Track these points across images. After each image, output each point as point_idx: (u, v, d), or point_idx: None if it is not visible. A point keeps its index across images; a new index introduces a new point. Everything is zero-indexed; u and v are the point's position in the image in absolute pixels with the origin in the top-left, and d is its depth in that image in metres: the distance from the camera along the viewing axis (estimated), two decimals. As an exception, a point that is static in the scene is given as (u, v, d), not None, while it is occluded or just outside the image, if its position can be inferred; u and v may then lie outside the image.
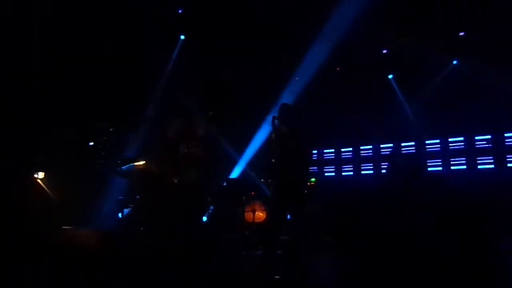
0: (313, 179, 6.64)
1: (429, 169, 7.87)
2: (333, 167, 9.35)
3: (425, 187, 5.18)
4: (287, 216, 4.35)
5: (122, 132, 5.28)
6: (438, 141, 8.10)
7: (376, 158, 8.83)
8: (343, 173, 9.25)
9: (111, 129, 4.78)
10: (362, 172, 8.96)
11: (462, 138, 7.87)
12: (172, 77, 7.66)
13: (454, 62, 7.77)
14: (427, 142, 8.14)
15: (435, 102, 7.67)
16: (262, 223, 6.11)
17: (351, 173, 9.12)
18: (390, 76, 8.40)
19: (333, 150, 9.39)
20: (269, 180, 4.44)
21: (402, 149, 8.34)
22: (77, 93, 6.08)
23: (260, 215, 6.21)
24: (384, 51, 7.58)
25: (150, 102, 7.08)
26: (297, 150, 4.14)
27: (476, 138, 7.72)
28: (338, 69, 8.10)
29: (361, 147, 9.05)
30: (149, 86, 7.18)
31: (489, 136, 7.63)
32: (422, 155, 7.96)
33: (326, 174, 9.22)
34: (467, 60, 7.26)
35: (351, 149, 9.15)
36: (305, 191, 4.27)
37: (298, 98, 7.68)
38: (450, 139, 7.98)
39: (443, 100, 7.54)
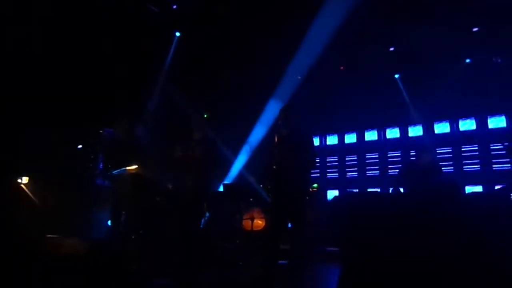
0: (315, 185, 6.61)
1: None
2: (337, 170, 9.36)
3: (440, 192, 5.08)
4: (287, 224, 4.28)
5: (113, 135, 5.25)
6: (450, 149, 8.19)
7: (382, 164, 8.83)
8: (348, 174, 9.21)
9: (101, 131, 4.71)
10: (368, 173, 8.92)
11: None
12: (167, 77, 7.65)
13: (467, 60, 7.64)
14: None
15: (445, 103, 7.63)
16: (261, 231, 6.15)
17: (355, 174, 9.05)
18: (397, 76, 8.34)
19: (336, 136, 9.53)
20: (269, 186, 4.38)
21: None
22: (66, 93, 6.04)
23: (259, 222, 6.29)
24: (391, 49, 7.47)
25: (144, 103, 7.02)
26: (298, 154, 4.11)
27: (491, 147, 7.78)
28: (342, 68, 8.05)
29: (367, 155, 9.11)
30: (143, 86, 7.14)
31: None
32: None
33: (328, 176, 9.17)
34: (480, 59, 7.18)
35: (354, 134, 9.24)
36: (307, 198, 4.24)
37: (300, 99, 7.64)
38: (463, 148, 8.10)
39: (455, 101, 7.48)
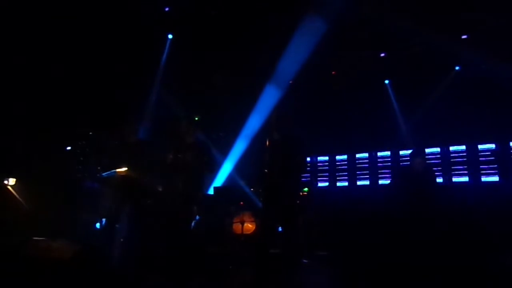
0: (306, 189, 6.64)
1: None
2: (327, 174, 9.34)
3: (430, 198, 5.14)
4: (278, 228, 4.28)
5: (103, 136, 5.20)
6: (438, 149, 8.04)
7: (373, 166, 8.82)
8: (338, 184, 9.22)
9: (90, 133, 4.67)
10: (358, 183, 8.92)
11: (464, 147, 7.80)
12: (159, 80, 7.61)
13: (457, 68, 7.61)
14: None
15: (435, 110, 7.65)
16: (251, 235, 6.10)
17: (346, 183, 9.09)
18: (387, 82, 8.38)
19: (327, 158, 9.38)
20: (260, 189, 4.39)
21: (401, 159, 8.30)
22: (56, 93, 5.99)
23: (249, 226, 6.21)
24: (382, 55, 7.48)
25: (136, 106, 6.98)
26: (289, 158, 4.13)
27: (480, 147, 7.59)
28: (333, 73, 8.11)
29: (357, 155, 9.02)
30: (135, 88, 7.10)
31: (493, 145, 7.49)
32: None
33: (319, 184, 9.17)
34: (471, 65, 7.16)
35: (345, 157, 9.14)
36: (298, 201, 4.24)
37: (291, 103, 7.67)
38: (451, 148, 7.91)
39: (444, 108, 7.52)
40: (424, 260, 4.40)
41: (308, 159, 8.98)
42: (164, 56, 7.42)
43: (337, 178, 9.21)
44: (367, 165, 8.85)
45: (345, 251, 5.58)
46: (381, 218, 5.70)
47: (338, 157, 9.21)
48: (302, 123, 7.89)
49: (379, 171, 8.62)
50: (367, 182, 8.72)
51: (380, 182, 8.53)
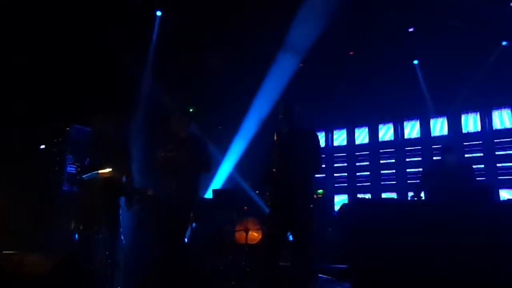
0: (320, 191, 6.65)
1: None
2: (345, 173, 9.35)
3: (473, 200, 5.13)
4: (288, 236, 4.34)
5: (82, 132, 5.22)
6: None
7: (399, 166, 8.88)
8: (358, 184, 9.23)
9: (67, 129, 4.71)
10: (382, 182, 8.94)
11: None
12: (147, 66, 7.62)
13: (504, 43, 7.59)
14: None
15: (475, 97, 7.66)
16: (256, 245, 6.16)
17: (368, 183, 9.10)
18: (416, 62, 8.35)
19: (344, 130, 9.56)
20: (266, 192, 4.44)
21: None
22: (26, 84, 5.98)
23: (255, 235, 6.31)
24: (411, 29, 7.42)
25: (121, 97, 7.00)
26: (301, 155, 4.15)
27: None
28: (351, 53, 8.07)
29: (381, 150, 9.09)
30: (118, 75, 7.12)
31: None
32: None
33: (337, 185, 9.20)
34: None
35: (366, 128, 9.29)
36: (311, 205, 4.25)
37: (302, 90, 7.66)
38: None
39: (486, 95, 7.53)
40: (457, 276, 4.39)
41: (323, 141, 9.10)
42: (154, 37, 7.43)
43: (357, 177, 9.26)
44: (392, 151, 9.00)
45: (367, 264, 5.59)
46: (409, 224, 5.69)
47: (357, 153, 9.30)
48: (315, 114, 8.01)
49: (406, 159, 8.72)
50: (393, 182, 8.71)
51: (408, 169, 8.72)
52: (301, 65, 7.86)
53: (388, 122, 9.34)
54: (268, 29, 7.21)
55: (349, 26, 6.99)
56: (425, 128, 8.98)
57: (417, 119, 9.01)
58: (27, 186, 5.49)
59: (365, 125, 9.60)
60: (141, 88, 7.55)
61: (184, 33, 7.27)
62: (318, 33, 7.03)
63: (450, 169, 5.33)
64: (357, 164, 9.50)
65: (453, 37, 7.14)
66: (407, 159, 8.96)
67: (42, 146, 4.66)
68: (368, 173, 9.36)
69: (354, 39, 7.57)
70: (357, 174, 9.46)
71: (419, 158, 8.83)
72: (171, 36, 7.31)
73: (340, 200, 8.99)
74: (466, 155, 8.27)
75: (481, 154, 8.32)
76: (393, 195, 8.90)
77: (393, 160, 9.09)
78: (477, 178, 7.45)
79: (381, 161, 9.24)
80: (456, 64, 7.65)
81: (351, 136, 9.75)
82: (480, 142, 8.40)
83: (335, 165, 9.69)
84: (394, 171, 9.07)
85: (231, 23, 7.09)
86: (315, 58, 7.73)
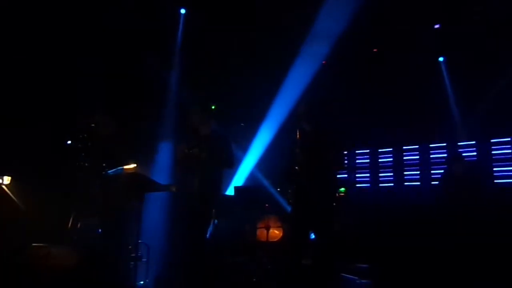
0: (342, 189, 6.65)
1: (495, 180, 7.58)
2: (368, 174, 9.32)
3: (489, 204, 5.16)
4: (309, 235, 4.39)
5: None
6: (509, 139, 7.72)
7: (423, 163, 8.70)
8: (381, 184, 9.16)
9: (93, 125, 4.85)
10: (406, 183, 8.84)
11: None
12: (170, 63, 7.74)
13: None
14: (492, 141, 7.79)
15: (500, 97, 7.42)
16: (278, 243, 6.18)
17: (391, 184, 9.02)
18: (441, 59, 8.22)
19: (368, 151, 9.31)
20: (288, 190, 4.49)
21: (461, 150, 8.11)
22: (54, 80, 6.14)
23: (276, 233, 6.30)
24: (436, 26, 7.29)
25: (144, 94, 7.16)
26: (323, 153, 4.19)
27: None
28: (375, 50, 8.02)
29: (404, 147, 8.93)
30: (142, 74, 7.26)
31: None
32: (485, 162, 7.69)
33: (358, 185, 9.14)
34: None
35: (390, 149, 9.07)
36: (333, 204, 4.29)
37: (325, 88, 7.64)
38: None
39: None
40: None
41: (346, 153, 9.01)
42: (179, 35, 7.53)
43: (380, 176, 9.15)
44: (416, 160, 8.76)
45: (389, 263, 5.64)
46: (432, 225, 5.71)
47: (380, 150, 9.15)
48: (339, 111, 7.92)
49: (431, 167, 8.49)
50: (417, 183, 8.63)
51: (433, 182, 8.35)
52: (323, 62, 7.84)
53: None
54: (292, 29, 7.23)
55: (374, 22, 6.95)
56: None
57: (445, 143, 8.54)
58: (54, 181, 5.67)
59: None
60: (167, 86, 7.65)
61: (207, 30, 7.33)
62: (342, 27, 7.00)
63: (459, 177, 5.37)
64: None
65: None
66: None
67: (69, 142, 4.79)
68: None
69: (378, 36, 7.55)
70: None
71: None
72: (195, 32, 7.39)
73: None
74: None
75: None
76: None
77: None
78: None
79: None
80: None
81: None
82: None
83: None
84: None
85: (255, 18, 7.11)
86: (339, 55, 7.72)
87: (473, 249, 4.96)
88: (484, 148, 7.90)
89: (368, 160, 9.36)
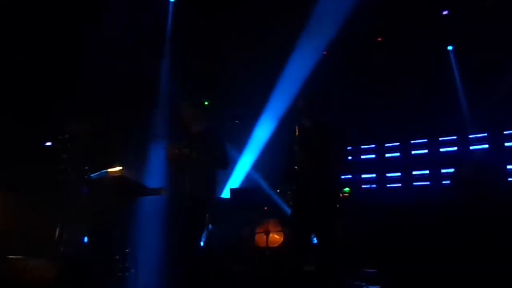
0: (346, 189, 6.60)
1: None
2: (374, 174, 9.26)
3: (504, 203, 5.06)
4: (312, 239, 4.32)
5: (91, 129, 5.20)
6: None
7: (433, 160, 8.56)
8: (388, 185, 9.05)
9: (74, 125, 4.73)
10: (415, 183, 8.76)
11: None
12: (159, 55, 7.61)
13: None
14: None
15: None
16: (278, 248, 6.11)
17: (399, 184, 8.91)
18: (450, 48, 8.11)
19: (374, 146, 9.30)
20: (288, 191, 4.35)
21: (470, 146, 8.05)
22: (30, 76, 5.99)
23: (276, 237, 6.23)
24: (445, 12, 7.18)
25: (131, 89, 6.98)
26: (324, 151, 4.10)
27: None
28: (379, 39, 7.97)
29: (412, 141, 8.84)
30: (131, 70, 7.09)
31: None
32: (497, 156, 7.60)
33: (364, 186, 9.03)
34: None
35: (397, 144, 9.05)
36: (337, 205, 4.20)
37: (326, 81, 7.50)
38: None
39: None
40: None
41: (350, 149, 8.94)
42: (169, 23, 7.38)
43: (387, 175, 9.05)
44: (425, 157, 8.67)
45: (398, 268, 5.44)
46: (444, 225, 5.57)
47: (387, 145, 9.13)
48: (341, 105, 7.82)
49: (442, 166, 8.41)
50: (426, 182, 8.59)
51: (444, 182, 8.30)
52: (324, 53, 7.72)
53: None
54: (289, 18, 7.20)
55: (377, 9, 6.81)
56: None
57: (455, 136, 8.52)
58: (33, 187, 5.53)
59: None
60: (158, 83, 7.53)
61: (200, 23, 7.32)
62: (342, 19, 6.98)
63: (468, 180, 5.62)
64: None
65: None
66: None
67: (48, 144, 4.63)
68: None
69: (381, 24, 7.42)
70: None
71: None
72: (186, 23, 7.33)
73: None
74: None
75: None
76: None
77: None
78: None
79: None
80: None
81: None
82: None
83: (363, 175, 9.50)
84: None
85: (250, 11, 7.08)
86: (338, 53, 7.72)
87: (490, 251, 4.80)
88: (496, 140, 7.91)
89: (374, 156, 9.35)
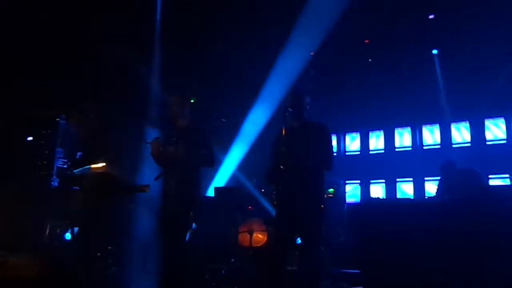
0: (331, 190, 6.64)
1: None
2: (359, 180, 9.51)
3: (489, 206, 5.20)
4: (295, 239, 4.34)
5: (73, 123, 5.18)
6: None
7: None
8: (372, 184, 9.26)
9: (57, 119, 4.71)
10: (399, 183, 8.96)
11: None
12: (142, 50, 7.56)
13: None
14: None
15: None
16: (262, 248, 6.13)
17: (383, 184, 9.22)
18: (435, 51, 8.28)
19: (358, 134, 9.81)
20: (273, 191, 4.41)
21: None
22: (12, 67, 5.95)
23: (260, 237, 6.25)
24: (431, 16, 7.32)
25: (115, 83, 6.99)
26: (310, 151, 4.15)
27: None
28: (366, 41, 8.05)
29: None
30: (113, 60, 7.09)
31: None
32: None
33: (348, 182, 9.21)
34: None
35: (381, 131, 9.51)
36: (321, 206, 4.21)
37: (314, 81, 7.62)
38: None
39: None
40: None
41: (335, 143, 9.16)
42: (158, 19, 7.37)
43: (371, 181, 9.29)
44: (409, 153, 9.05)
45: (382, 269, 5.54)
46: (432, 224, 5.70)
47: (371, 147, 9.56)
48: (328, 105, 7.95)
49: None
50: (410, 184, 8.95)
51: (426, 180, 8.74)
52: (311, 53, 7.80)
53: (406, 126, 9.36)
54: (278, 16, 7.20)
55: (365, 15, 6.95)
56: (445, 134, 8.97)
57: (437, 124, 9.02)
58: (14, 182, 5.48)
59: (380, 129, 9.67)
60: (145, 78, 7.52)
61: (187, 21, 7.29)
62: (331, 21, 7.02)
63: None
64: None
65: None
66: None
67: (30, 138, 4.63)
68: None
69: (369, 31, 7.56)
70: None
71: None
72: (174, 25, 7.32)
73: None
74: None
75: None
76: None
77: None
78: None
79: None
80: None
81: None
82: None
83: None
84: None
85: (237, 10, 7.10)
86: (326, 50, 7.76)
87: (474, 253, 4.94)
88: (477, 128, 8.49)
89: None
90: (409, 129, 9.41)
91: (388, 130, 9.62)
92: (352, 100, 9.11)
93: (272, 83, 8.08)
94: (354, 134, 10.06)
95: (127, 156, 6.38)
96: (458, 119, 8.81)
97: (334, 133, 9.74)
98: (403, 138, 9.43)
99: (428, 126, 9.22)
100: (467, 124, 8.80)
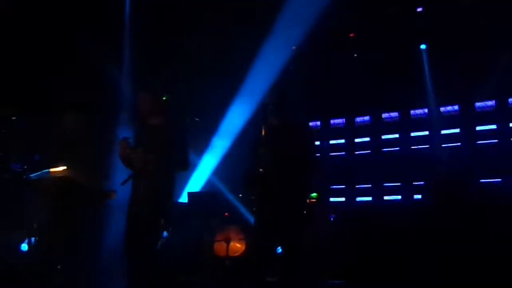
0: (314, 194, 6.61)
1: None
2: (344, 186, 9.63)
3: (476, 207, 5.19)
4: (276, 248, 4.28)
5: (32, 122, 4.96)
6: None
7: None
8: (358, 198, 9.44)
9: (14, 118, 4.50)
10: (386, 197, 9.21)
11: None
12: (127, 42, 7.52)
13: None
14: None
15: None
16: (239, 257, 6.12)
17: (370, 198, 9.37)
18: (423, 47, 8.38)
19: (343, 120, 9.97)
20: (252, 196, 4.36)
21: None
22: None
23: (237, 246, 6.23)
24: (419, 9, 7.39)
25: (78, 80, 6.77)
26: (292, 153, 4.05)
27: None
28: (351, 35, 8.10)
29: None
30: (76, 53, 6.91)
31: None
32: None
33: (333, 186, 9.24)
34: None
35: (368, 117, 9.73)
36: (304, 212, 4.17)
37: (295, 77, 7.55)
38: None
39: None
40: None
41: (317, 142, 9.21)
42: (127, 16, 7.30)
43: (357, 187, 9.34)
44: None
45: (366, 279, 5.55)
46: (415, 236, 5.66)
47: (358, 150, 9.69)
48: (310, 104, 7.90)
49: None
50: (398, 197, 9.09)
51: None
52: (293, 47, 7.77)
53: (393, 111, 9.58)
54: (258, 8, 7.23)
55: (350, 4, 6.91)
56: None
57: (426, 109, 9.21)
58: None
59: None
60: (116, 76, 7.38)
61: (158, 12, 7.23)
62: (315, 12, 7.05)
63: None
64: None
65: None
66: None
67: None
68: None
69: (354, 19, 7.59)
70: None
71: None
72: (144, 15, 7.24)
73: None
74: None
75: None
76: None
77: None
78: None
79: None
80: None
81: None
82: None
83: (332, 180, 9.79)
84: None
85: (217, 6, 7.17)
86: (311, 40, 7.75)
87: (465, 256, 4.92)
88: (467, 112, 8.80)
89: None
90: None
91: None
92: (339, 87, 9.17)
93: (253, 79, 8.10)
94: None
95: (97, 159, 6.24)
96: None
97: (318, 120, 10.04)
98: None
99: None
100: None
